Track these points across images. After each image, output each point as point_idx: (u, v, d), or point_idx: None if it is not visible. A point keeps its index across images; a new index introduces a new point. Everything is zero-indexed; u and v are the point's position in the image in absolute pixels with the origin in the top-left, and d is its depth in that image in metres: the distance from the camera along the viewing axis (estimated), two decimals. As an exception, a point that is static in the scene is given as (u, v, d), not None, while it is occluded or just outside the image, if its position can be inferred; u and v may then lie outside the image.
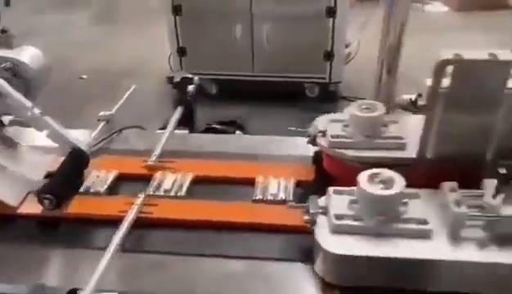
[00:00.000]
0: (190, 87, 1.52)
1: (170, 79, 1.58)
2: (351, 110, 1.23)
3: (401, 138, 1.19)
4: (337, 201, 1.03)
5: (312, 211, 1.01)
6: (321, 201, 1.05)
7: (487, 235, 0.96)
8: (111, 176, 1.30)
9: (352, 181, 1.04)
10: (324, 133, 1.25)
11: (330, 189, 1.06)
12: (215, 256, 1.09)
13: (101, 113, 1.50)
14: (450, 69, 1.01)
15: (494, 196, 0.95)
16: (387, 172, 1.00)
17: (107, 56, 4.28)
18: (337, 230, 0.98)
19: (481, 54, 1.00)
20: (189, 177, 1.29)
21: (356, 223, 0.98)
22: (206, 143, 1.49)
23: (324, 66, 3.41)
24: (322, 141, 1.24)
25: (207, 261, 1.08)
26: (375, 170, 1.01)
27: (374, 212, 0.98)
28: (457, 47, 1.01)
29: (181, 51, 3.44)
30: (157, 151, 1.38)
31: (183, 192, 1.25)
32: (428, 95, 1.05)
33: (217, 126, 1.65)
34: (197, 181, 1.29)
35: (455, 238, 0.96)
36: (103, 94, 3.44)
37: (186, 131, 1.52)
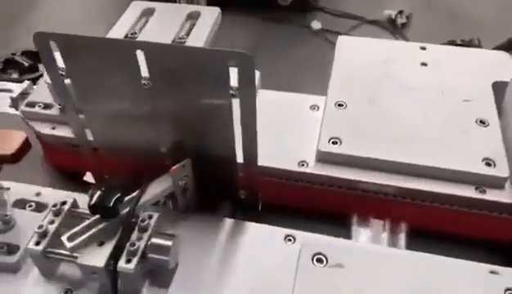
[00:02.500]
0: None
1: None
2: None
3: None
4: None
5: None
6: None
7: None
8: None
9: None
10: (25, 96, 0.99)
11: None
12: None
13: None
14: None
15: (73, 236, 0.66)
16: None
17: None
18: None
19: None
20: None
21: None
22: None
23: (295, -32, 2.91)
24: (19, 108, 0.98)
25: None
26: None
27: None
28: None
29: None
30: None
31: None
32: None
33: (18, 59, 1.39)
34: None
35: (46, 275, 0.71)
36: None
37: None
